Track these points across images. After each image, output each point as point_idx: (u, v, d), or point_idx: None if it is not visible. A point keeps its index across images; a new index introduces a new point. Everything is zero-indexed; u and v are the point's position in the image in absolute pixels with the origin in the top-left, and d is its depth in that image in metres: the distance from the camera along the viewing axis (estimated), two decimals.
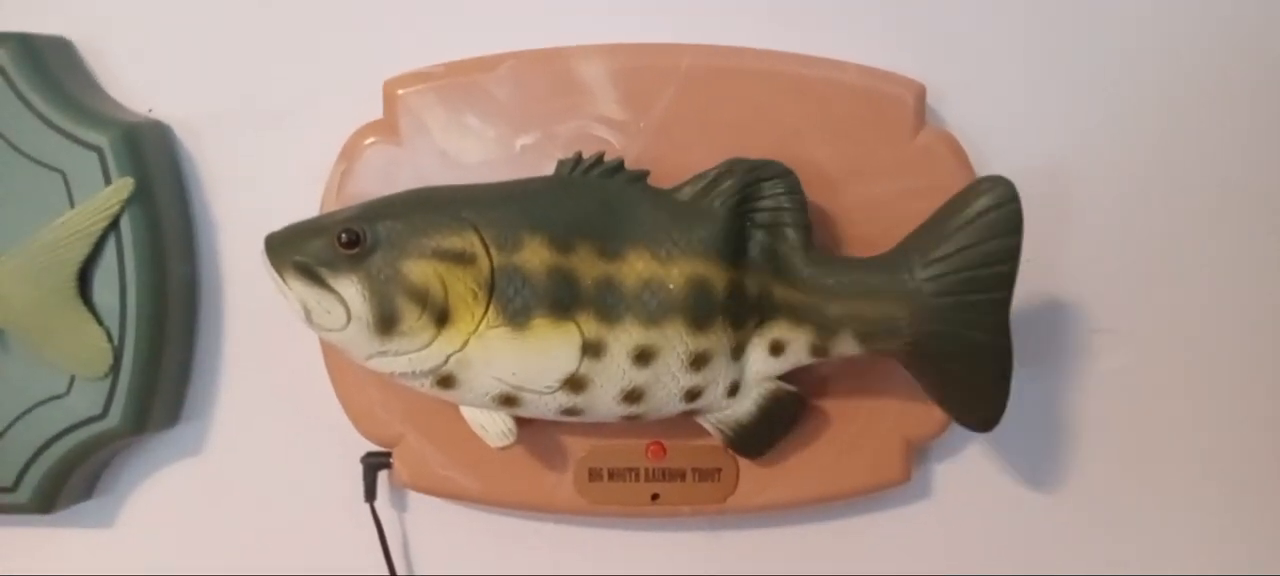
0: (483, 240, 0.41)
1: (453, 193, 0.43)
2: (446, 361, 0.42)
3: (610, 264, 0.42)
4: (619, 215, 0.42)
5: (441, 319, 0.41)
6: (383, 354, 0.42)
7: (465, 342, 0.42)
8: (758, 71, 0.46)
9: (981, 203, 0.41)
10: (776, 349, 0.44)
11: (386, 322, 0.41)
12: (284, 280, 0.41)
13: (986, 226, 0.41)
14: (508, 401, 0.43)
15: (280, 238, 0.42)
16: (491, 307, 0.41)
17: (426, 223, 0.42)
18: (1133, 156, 0.50)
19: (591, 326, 0.42)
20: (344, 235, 0.41)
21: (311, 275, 0.41)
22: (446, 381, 0.42)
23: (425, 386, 0.43)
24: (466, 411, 0.44)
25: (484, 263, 0.41)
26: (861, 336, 0.43)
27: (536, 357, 0.42)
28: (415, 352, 0.42)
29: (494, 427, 0.43)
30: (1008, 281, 0.41)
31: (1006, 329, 0.42)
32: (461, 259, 0.41)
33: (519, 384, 0.42)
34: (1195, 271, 0.50)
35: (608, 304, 0.42)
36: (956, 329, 0.42)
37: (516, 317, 0.41)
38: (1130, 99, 0.49)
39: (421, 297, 0.41)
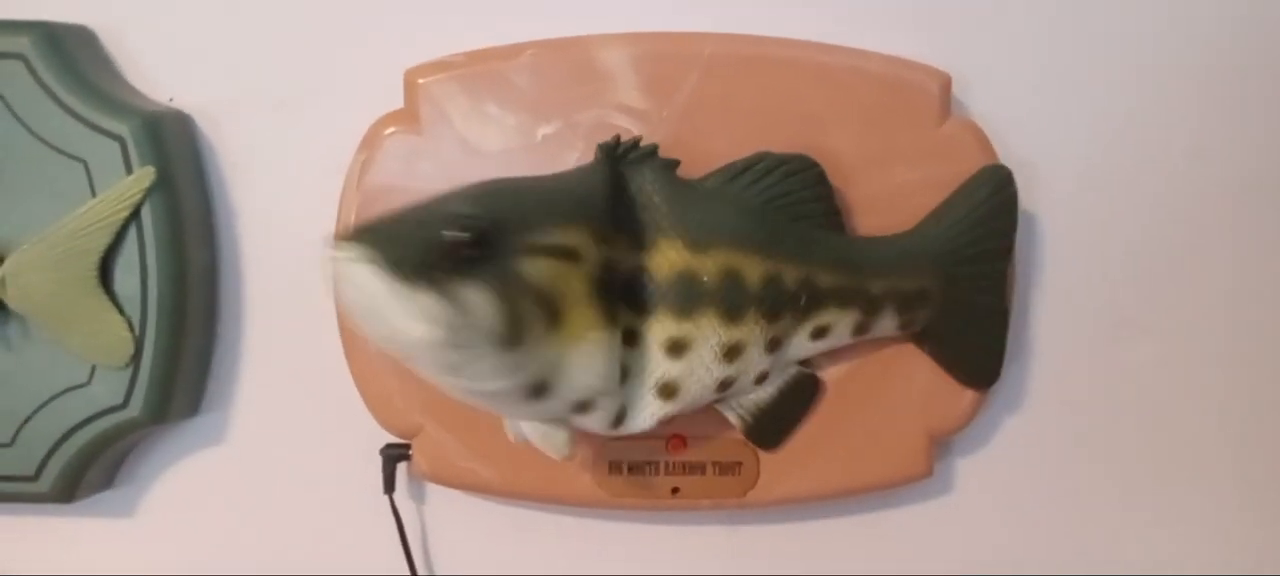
0: (593, 235, 0.38)
1: (525, 184, 0.39)
2: (546, 370, 0.37)
3: (644, 254, 0.41)
4: (648, 204, 0.41)
5: (556, 323, 0.37)
6: (491, 368, 0.35)
7: (571, 347, 0.37)
8: (781, 60, 0.46)
9: (988, 188, 0.45)
10: (819, 333, 0.44)
11: (514, 332, 0.35)
12: (401, 286, 0.33)
13: (994, 208, 0.45)
14: (582, 408, 0.39)
15: (380, 234, 0.34)
16: (596, 308, 0.38)
17: (536, 216, 0.36)
18: (1158, 148, 0.49)
19: (626, 317, 0.40)
20: (463, 232, 0.34)
21: (430, 280, 0.33)
22: (539, 391, 0.37)
23: (511, 403, 0.37)
24: (529, 427, 0.40)
25: (591, 259, 0.37)
26: (901, 309, 0.44)
27: (607, 359, 0.39)
28: (530, 364, 0.36)
29: (559, 438, 0.40)
30: (1008, 252, 0.46)
31: (1006, 292, 0.47)
32: (572, 256, 0.37)
33: (602, 388, 0.39)
34: (1222, 264, 0.50)
35: (640, 296, 0.40)
36: (972, 295, 0.46)
37: (610, 318, 0.38)
38: (1157, 90, 0.49)
39: (546, 301, 0.36)
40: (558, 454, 0.40)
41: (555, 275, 0.37)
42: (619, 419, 0.41)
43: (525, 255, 0.36)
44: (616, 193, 0.41)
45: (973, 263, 0.45)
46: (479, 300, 0.34)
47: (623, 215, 0.41)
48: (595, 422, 0.41)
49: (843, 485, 0.48)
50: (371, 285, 0.33)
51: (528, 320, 0.36)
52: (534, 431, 0.41)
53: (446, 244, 0.34)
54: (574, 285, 0.37)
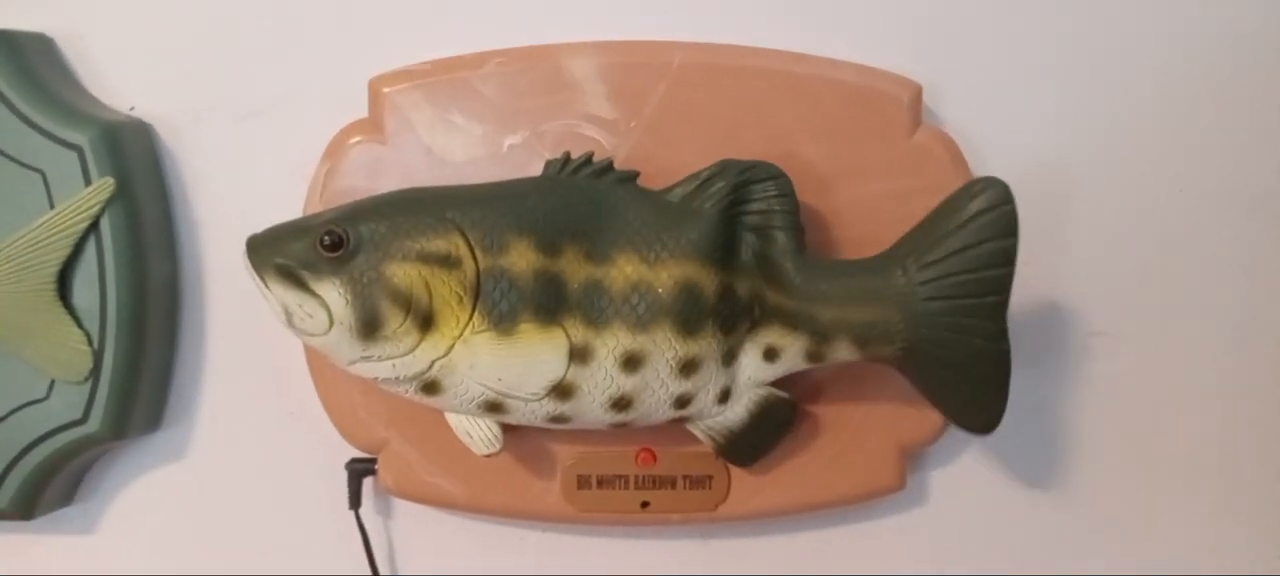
0: (468, 242, 0.41)
1: (437, 193, 0.42)
2: (431, 367, 0.41)
3: (598, 267, 0.41)
4: (607, 217, 0.41)
5: (426, 323, 0.41)
6: (366, 359, 0.41)
7: (450, 348, 0.41)
8: (751, 69, 0.45)
9: (976, 204, 0.41)
10: (771, 355, 0.43)
11: (369, 327, 0.40)
12: (265, 282, 0.41)
13: (981, 229, 0.41)
14: (493, 408, 0.42)
15: (262, 239, 0.41)
16: (477, 312, 0.41)
17: (410, 224, 0.41)
18: (1131, 157, 0.49)
19: (578, 331, 0.41)
20: (326, 237, 0.40)
21: (293, 278, 0.40)
22: (431, 387, 0.41)
23: (409, 392, 0.42)
24: (452, 418, 0.43)
25: (469, 265, 0.41)
26: (857, 341, 0.42)
27: (523, 363, 0.41)
28: (399, 358, 0.41)
29: (479, 435, 0.43)
30: (1003, 284, 0.41)
31: (1004, 333, 0.41)
32: (446, 261, 0.41)
33: (504, 390, 0.41)
34: (1193, 274, 0.50)
35: (595, 308, 0.41)
36: (952, 333, 0.41)
37: (502, 322, 0.41)
38: (1129, 99, 0.49)
39: (405, 301, 0.40)
40: (477, 451, 0.43)
41: (421, 278, 0.40)
42: (558, 419, 0.42)
43: (392, 260, 0.40)
44: (571, 205, 0.41)
45: (950, 296, 0.41)
46: (334, 296, 0.40)
47: (581, 228, 0.41)
48: (520, 420, 0.42)
49: (815, 498, 0.48)
50: (254, 282, 0.41)
51: (385, 317, 0.40)
52: (456, 424, 0.43)
53: (310, 247, 0.40)
54: (446, 289, 0.40)
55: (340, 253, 0.40)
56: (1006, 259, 0.41)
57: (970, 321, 0.41)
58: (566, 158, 0.42)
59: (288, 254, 0.41)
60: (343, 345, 0.41)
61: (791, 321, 0.42)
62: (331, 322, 0.40)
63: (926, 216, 0.42)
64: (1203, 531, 0.51)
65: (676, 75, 0.45)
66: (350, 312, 0.40)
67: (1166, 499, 0.51)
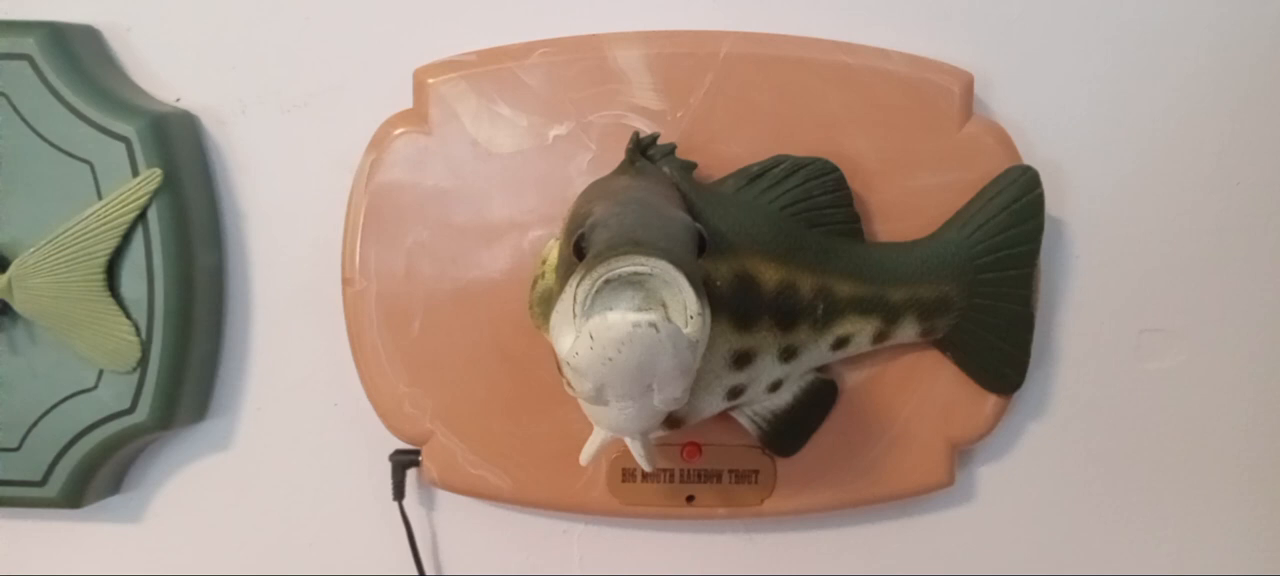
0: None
1: (615, 193, 0.38)
2: None
3: None
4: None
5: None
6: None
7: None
8: (800, 59, 0.45)
9: (1015, 189, 0.44)
10: (840, 343, 0.44)
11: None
12: (690, 291, 0.32)
13: (1022, 210, 0.44)
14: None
15: (650, 239, 0.33)
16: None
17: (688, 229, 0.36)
18: (1184, 149, 0.48)
19: None
20: (698, 238, 0.35)
21: (699, 289, 0.33)
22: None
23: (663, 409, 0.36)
24: (631, 444, 0.40)
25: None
26: (922, 317, 0.44)
27: None
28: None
29: (639, 448, 0.40)
30: (1035, 254, 0.45)
31: (1031, 298, 0.45)
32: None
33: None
34: (1247, 268, 0.49)
35: None
36: (994, 300, 0.45)
37: None
38: (1182, 90, 0.48)
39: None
40: (649, 466, 0.40)
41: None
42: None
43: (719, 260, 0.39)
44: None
45: (997, 268, 0.44)
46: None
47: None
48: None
49: (862, 494, 0.47)
50: (681, 287, 0.32)
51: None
52: (634, 446, 0.39)
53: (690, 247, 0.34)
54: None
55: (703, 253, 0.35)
56: (1037, 234, 0.45)
57: (1009, 289, 0.45)
58: (636, 137, 0.41)
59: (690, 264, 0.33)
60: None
61: (863, 308, 0.43)
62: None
63: (971, 200, 0.45)
64: (1258, 530, 0.50)
65: (724, 65, 0.44)
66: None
67: (1219, 497, 0.50)
